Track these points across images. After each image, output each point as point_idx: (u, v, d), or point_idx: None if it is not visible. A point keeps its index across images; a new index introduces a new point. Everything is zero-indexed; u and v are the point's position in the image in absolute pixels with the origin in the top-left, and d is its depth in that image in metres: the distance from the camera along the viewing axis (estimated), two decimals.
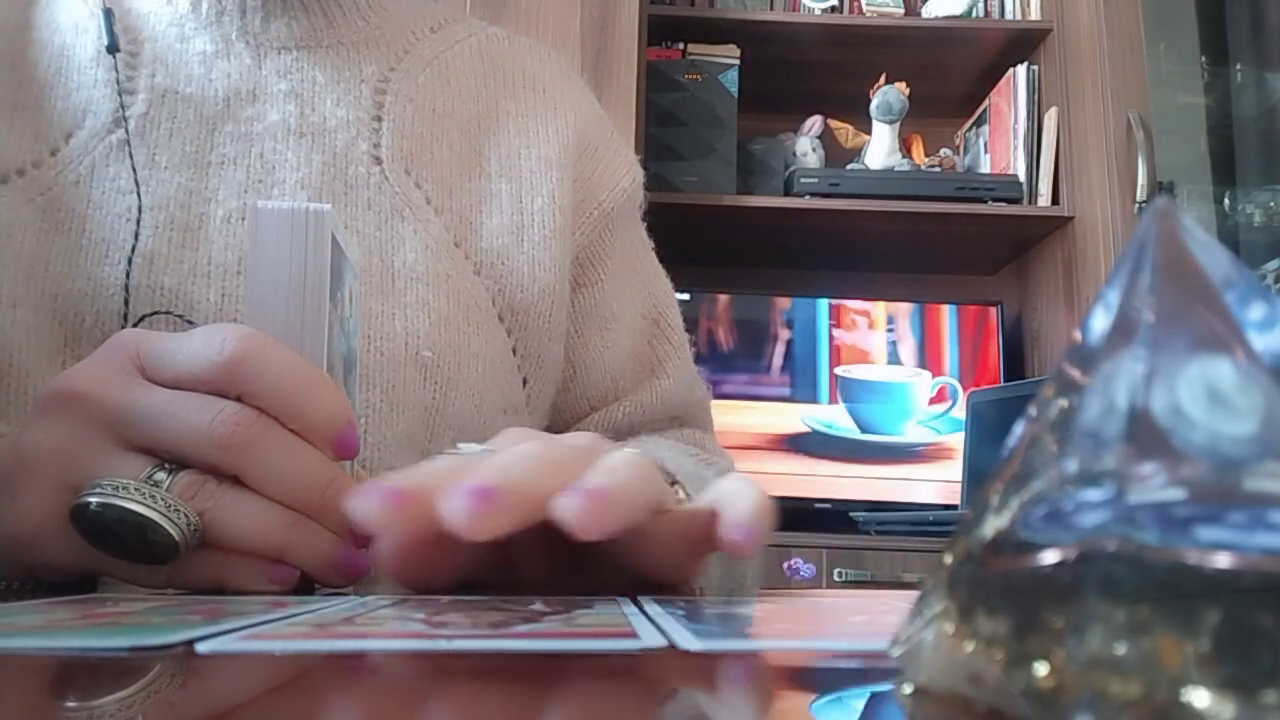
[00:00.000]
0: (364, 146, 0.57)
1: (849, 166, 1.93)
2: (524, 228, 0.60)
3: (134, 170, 0.51)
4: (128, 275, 0.49)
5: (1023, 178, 1.86)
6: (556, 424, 0.64)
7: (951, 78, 2.03)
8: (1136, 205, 1.66)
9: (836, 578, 1.57)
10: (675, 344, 0.66)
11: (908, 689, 0.17)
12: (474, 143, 0.61)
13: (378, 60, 0.60)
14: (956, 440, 1.84)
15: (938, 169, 1.97)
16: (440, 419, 0.53)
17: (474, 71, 0.64)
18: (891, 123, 1.91)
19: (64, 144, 0.53)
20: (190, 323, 0.50)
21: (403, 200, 0.57)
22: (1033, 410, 0.17)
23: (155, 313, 0.50)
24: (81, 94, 0.54)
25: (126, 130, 0.52)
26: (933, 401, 1.89)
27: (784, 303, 1.94)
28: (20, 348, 0.48)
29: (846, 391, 1.89)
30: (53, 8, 0.57)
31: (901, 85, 1.90)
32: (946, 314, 1.94)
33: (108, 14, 0.55)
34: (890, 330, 1.92)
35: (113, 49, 0.54)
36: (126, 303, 0.49)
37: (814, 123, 1.99)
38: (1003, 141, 1.93)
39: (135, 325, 0.49)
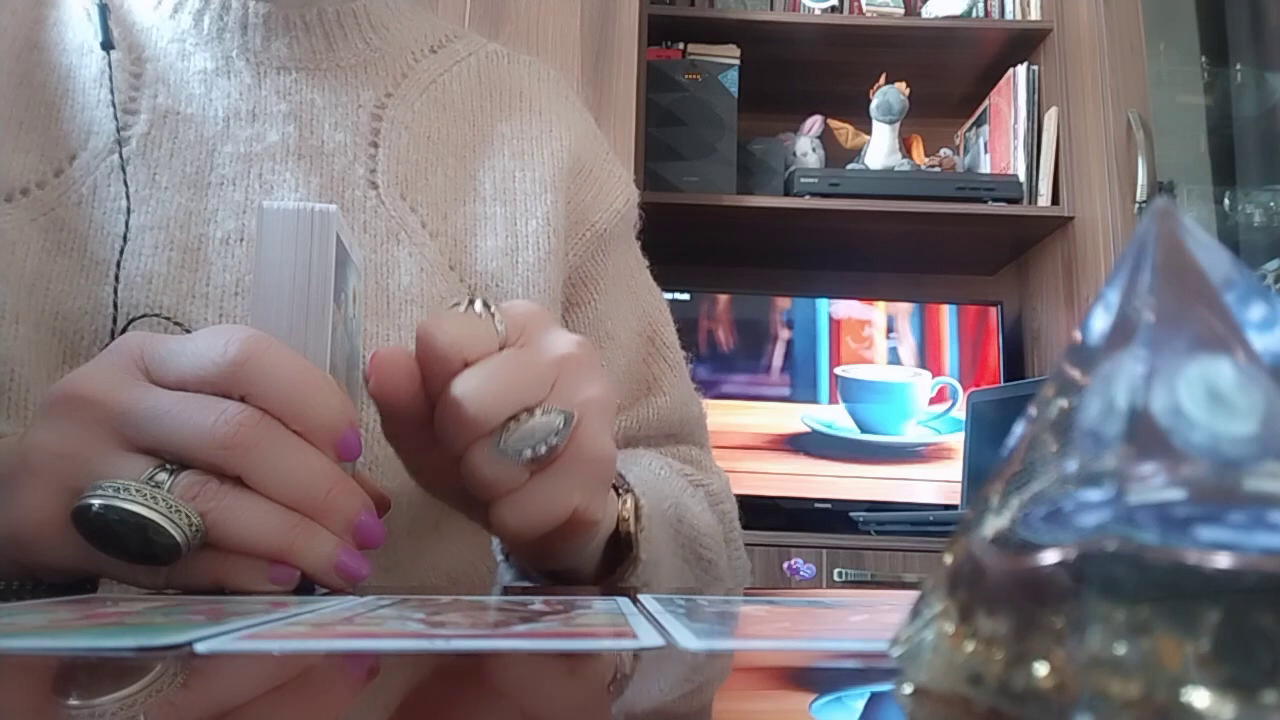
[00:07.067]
0: (361, 171, 0.58)
1: (849, 166, 1.93)
2: (518, 250, 0.60)
3: (127, 193, 0.52)
4: (115, 293, 0.49)
5: (1023, 178, 1.86)
6: None
7: (951, 78, 2.03)
8: (1136, 205, 1.66)
9: (836, 578, 1.57)
10: (671, 362, 0.66)
11: (908, 689, 0.17)
12: (469, 167, 0.61)
13: (375, 85, 0.61)
14: (956, 440, 1.84)
15: (938, 169, 1.97)
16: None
17: (471, 94, 0.64)
18: (891, 123, 1.91)
19: (68, 165, 0.53)
20: (179, 325, 0.50)
21: (398, 224, 0.57)
22: (1033, 410, 0.17)
23: (144, 315, 0.50)
24: (85, 115, 0.55)
25: (121, 154, 0.53)
26: (933, 401, 1.89)
27: (784, 303, 1.94)
28: (21, 362, 0.48)
29: (846, 391, 1.89)
30: (60, 28, 0.57)
31: (901, 85, 1.90)
32: (946, 314, 1.94)
33: (102, 9, 0.55)
34: (890, 332, 1.92)
35: (107, 45, 0.54)
36: (114, 319, 0.49)
37: (814, 123, 1.99)
38: (1003, 141, 1.93)
39: (126, 328, 0.49)
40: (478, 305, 0.37)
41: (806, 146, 1.98)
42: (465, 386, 0.35)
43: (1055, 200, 1.85)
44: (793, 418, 1.88)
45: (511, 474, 0.35)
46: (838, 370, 1.90)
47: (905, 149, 1.96)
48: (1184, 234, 0.16)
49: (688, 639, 0.22)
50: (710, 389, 1.86)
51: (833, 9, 1.96)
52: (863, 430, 1.88)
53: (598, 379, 0.38)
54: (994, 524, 0.16)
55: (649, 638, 0.22)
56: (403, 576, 0.53)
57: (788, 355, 1.91)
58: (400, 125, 0.60)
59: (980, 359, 1.92)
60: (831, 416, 1.88)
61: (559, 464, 0.36)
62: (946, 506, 1.81)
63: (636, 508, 0.46)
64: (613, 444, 0.38)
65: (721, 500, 0.63)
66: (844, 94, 1.97)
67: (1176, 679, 0.12)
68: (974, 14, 1.94)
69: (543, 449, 0.35)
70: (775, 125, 2.03)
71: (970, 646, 0.15)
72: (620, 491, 0.46)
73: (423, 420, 0.37)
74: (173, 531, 0.32)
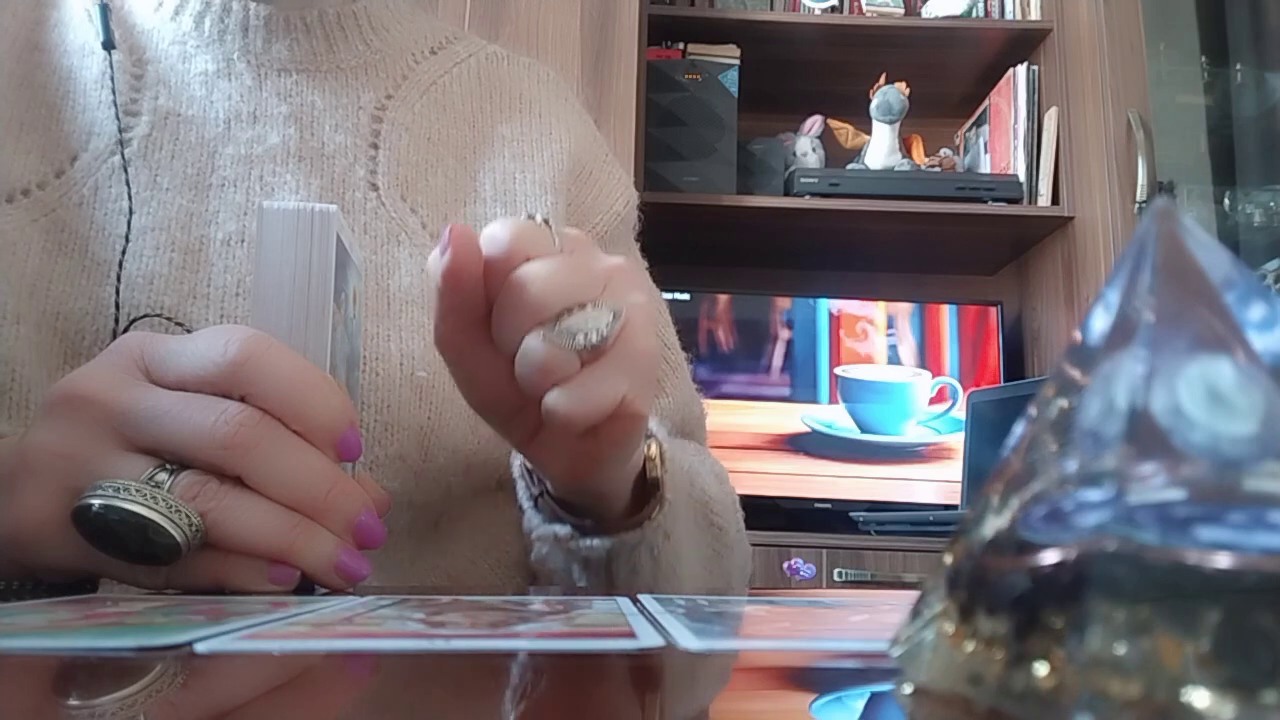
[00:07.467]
0: (361, 173, 0.58)
1: (849, 166, 1.93)
2: None
3: (129, 194, 0.52)
4: (117, 294, 0.49)
5: (1023, 178, 1.86)
6: None
7: (951, 78, 2.03)
8: (1136, 205, 1.66)
9: (836, 578, 1.57)
10: (673, 363, 0.67)
11: (908, 689, 0.17)
12: (469, 168, 0.62)
13: (375, 87, 0.61)
14: (956, 440, 1.83)
15: (938, 169, 1.97)
16: (435, 439, 0.53)
17: (471, 96, 0.65)
18: (891, 123, 1.91)
19: (69, 166, 0.53)
20: (179, 325, 0.50)
21: (399, 225, 0.57)
22: (1033, 410, 0.17)
23: (146, 315, 0.50)
24: (86, 116, 0.55)
25: (123, 156, 0.53)
26: (933, 401, 1.89)
27: (784, 303, 1.94)
28: (23, 363, 0.48)
29: (846, 391, 1.89)
30: (61, 29, 0.58)
31: (901, 85, 1.90)
32: (946, 314, 1.94)
33: (103, 9, 0.55)
34: (890, 331, 1.92)
35: (108, 45, 0.54)
36: (115, 319, 0.49)
37: (814, 123, 1.99)
38: (1003, 141, 1.93)
39: (127, 329, 0.49)
40: (538, 217, 0.39)
41: (806, 146, 1.98)
42: (528, 272, 0.36)
43: (1055, 200, 1.85)
44: (793, 418, 1.88)
45: (565, 360, 0.36)
46: (838, 370, 1.90)
47: (905, 149, 1.96)
48: (1184, 234, 0.16)
49: (687, 639, 0.22)
50: (710, 389, 1.86)
51: (833, 9, 1.96)
52: (863, 430, 1.88)
53: (643, 290, 0.40)
54: (994, 524, 0.16)
55: (649, 638, 0.22)
56: (403, 576, 0.53)
57: (788, 355, 1.91)
58: (400, 127, 0.60)
59: (980, 359, 1.92)
60: (831, 416, 1.88)
61: (608, 356, 0.37)
62: (946, 506, 1.81)
63: (661, 452, 0.47)
64: (657, 345, 0.40)
65: (724, 480, 0.63)
66: (844, 94, 1.97)
67: (1176, 679, 0.12)
68: (974, 14, 1.94)
69: (594, 337, 0.36)
70: (775, 125, 2.03)
71: (970, 646, 0.15)
72: (644, 437, 0.47)
73: (478, 320, 0.38)
74: (173, 531, 0.32)
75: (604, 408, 0.37)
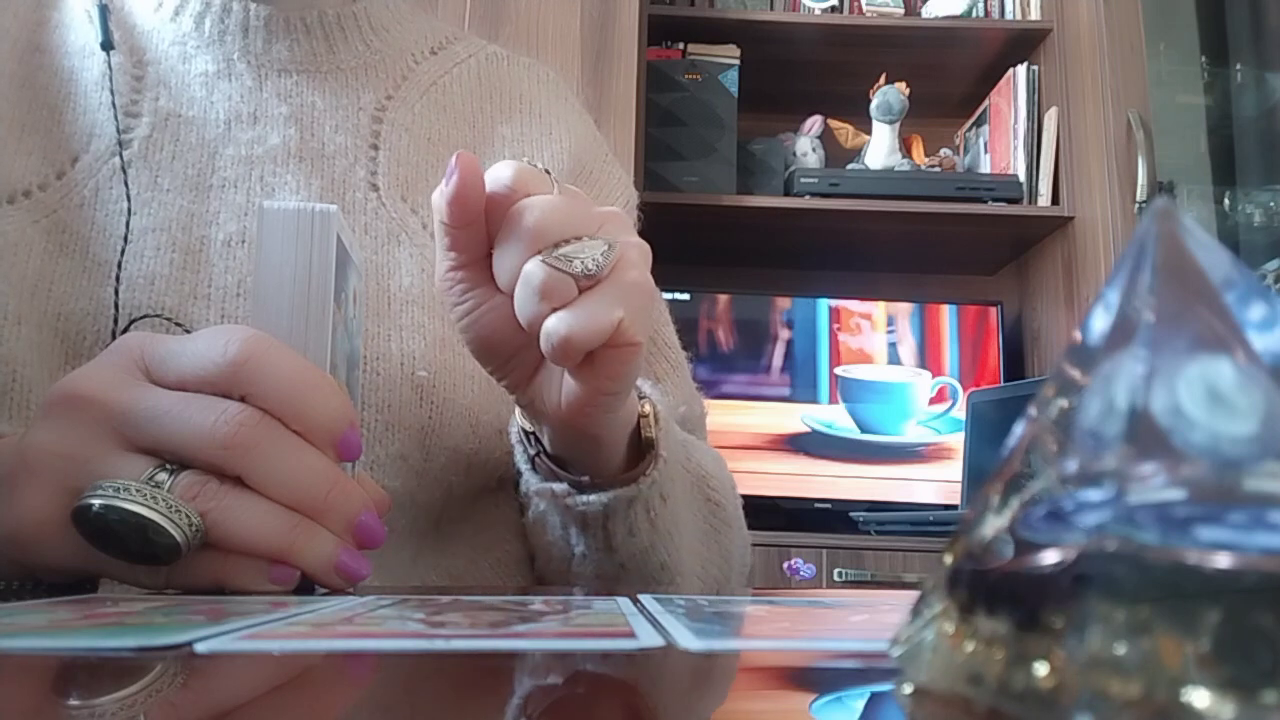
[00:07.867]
0: (361, 173, 0.58)
1: (849, 166, 1.93)
2: None
3: (128, 195, 0.52)
4: (117, 294, 0.49)
5: (1023, 178, 1.86)
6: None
7: (951, 78, 2.03)
8: (1136, 205, 1.66)
9: (836, 578, 1.57)
10: (673, 362, 0.67)
11: (908, 689, 0.17)
12: None
13: (375, 88, 0.61)
14: (956, 440, 1.83)
15: (938, 169, 1.97)
16: (435, 439, 0.53)
17: (471, 96, 0.65)
18: (891, 123, 1.91)
19: (70, 167, 0.53)
20: (179, 325, 0.50)
21: (399, 225, 0.57)
22: (1033, 410, 0.17)
23: (146, 316, 0.50)
24: (87, 118, 0.55)
25: (123, 157, 0.53)
26: (933, 401, 1.89)
27: (784, 303, 1.94)
28: (24, 363, 0.48)
29: (846, 391, 1.89)
30: (62, 31, 0.58)
31: (901, 85, 1.90)
32: (946, 314, 1.94)
33: (103, 10, 0.55)
34: (890, 330, 1.92)
35: (107, 45, 0.54)
36: (116, 320, 0.49)
37: (814, 123, 1.99)
38: (1003, 141, 1.93)
39: (127, 329, 0.49)
40: (539, 166, 0.40)
41: (806, 146, 1.98)
42: (528, 202, 0.38)
43: (1055, 200, 1.85)
44: (793, 418, 1.88)
45: (562, 284, 0.37)
46: (838, 370, 1.90)
47: (905, 149, 1.96)
48: (1184, 234, 0.16)
49: (687, 639, 0.22)
50: (710, 389, 1.86)
51: (833, 9, 1.96)
52: (863, 430, 1.88)
53: (635, 235, 0.42)
54: (994, 524, 0.16)
55: (648, 638, 0.22)
56: (403, 576, 0.53)
57: (788, 355, 1.91)
58: (400, 127, 0.60)
59: (980, 359, 1.92)
60: (831, 416, 1.88)
61: (603, 284, 0.38)
62: (946, 506, 1.81)
63: (655, 412, 0.48)
64: (650, 280, 0.41)
65: (721, 463, 0.63)
66: (844, 94, 1.97)
67: (1176, 679, 0.12)
68: (974, 14, 1.94)
69: (591, 265, 0.37)
70: (775, 125, 2.03)
71: (970, 646, 0.15)
72: (639, 397, 0.48)
73: (479, 259, 0.40)
74: (173, 531, 0.32)
75: (601, 331, 0.37)
